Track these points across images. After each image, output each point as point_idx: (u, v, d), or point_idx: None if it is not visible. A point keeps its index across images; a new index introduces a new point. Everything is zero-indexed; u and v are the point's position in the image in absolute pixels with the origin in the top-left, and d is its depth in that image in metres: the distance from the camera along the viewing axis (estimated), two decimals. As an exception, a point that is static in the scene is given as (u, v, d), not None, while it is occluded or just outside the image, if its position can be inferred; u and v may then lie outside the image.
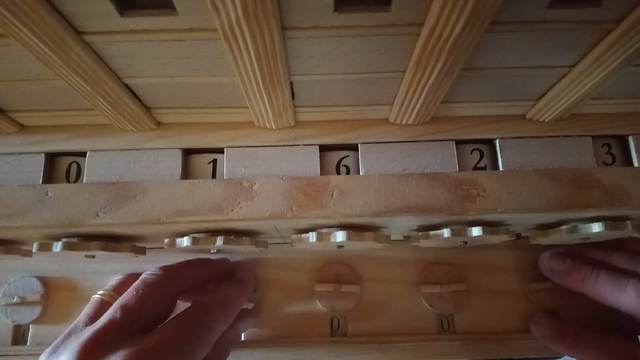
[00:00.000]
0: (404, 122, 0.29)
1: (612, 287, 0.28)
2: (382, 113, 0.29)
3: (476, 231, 0.28)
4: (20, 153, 0.29)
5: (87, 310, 0.28)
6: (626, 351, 0.28)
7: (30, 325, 0.35)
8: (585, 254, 0.32)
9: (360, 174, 0.28)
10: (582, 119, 0.29)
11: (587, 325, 0.31)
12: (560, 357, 0.34)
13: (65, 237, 0.29)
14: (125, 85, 0.25)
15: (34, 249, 0.29)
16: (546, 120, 0.29)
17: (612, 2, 0.20)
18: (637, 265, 0.29)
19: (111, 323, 0.24)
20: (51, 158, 0.30)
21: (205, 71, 0.24)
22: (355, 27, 0.21)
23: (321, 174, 0.29)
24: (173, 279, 0.29)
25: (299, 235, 0.29)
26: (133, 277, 0.30)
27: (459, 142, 0.29)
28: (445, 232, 0.28)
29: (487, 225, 0.28)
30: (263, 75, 0.23)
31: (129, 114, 0.27)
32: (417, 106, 0.27)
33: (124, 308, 0.25)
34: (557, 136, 0.29)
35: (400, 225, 0.30)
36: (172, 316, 0.27)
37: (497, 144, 0.29)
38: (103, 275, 0.36)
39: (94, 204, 0.27)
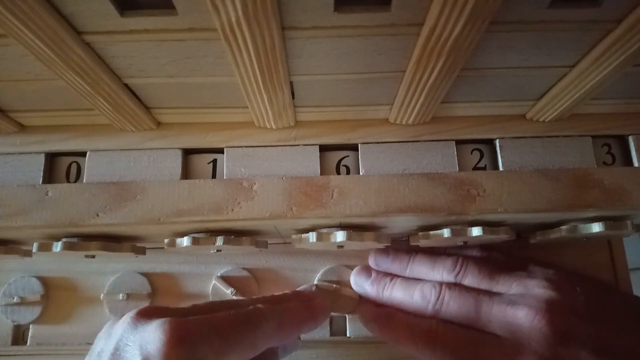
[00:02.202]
0: (404, 122, 0.29)
1: (404, 294, 0.31)
2: (382, 113, 0.29)
3: (476, 231, 0.28)
4: (20, 153, 0.29)
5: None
6: (427, 327, 0.29)
7: (30, 325, 0.35)
8: (388, 267, 0.34)
9: (360, 174, 0.28)
10: (582, 119, 0.29)
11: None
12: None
13: (65, 237, 0.29)
14: (125, 85, 0.25)
15: (34, 249, 0.29)
16: (546, 120, 0.29)
17: (612, 2, 0.20)
18: (433, 272, 0.31)
19: (177, 308, 0.26)
20: (51, 158, 0.30)
21: (205, 71, 0.24)
22: (355, 27, 0.21)
23: (321, 174, 0.29)
24: (253, 303, 0.28)
25: (299, 235, 0.29)
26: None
27: (459, 142, 0.29)
28: (445, 232, 0.28)
29: (487, 225, 0.28)
30: (263, 75, 0.23)
31: (129, 114, 0.27)
32: (417, 106, 0.27)
33: (195, 305, 0.27)
34: (557, 136, 0.29)
35: (400, 225, 0.30)
36: None
37: (497, 144, 0.29)
38: (103, 275, 0.36)
39: (94, 204, 0.27)
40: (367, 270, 0.34)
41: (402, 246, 0.35)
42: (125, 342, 0.24)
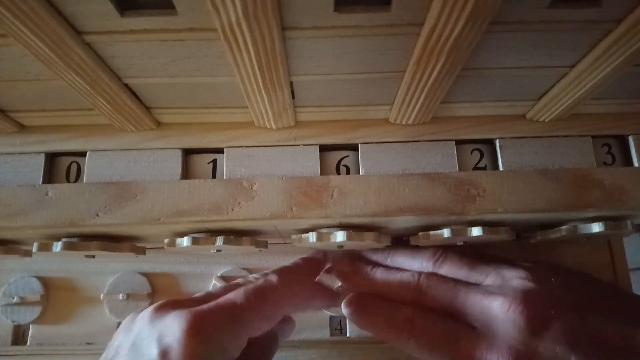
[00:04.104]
0: (404, 122, 0.29)
1: (384, 282, 0.31)
2: (382, 113, 0.29)
3: (476, 231, 0.28)
4: (20, 153, 0.29)
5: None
6: (404, 317, 0.29)
7: (30, 325, 0.35)
8: (370, 256, 0.34)
9: (360, 174, 0.28)
10: (582, 119, 0.29)
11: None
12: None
13: (65, 237, 0.29)
14: (125, 85, 0.25)
15: (34, 249, 0.29)
16: (546, 120, 0.29)
17: (612, 2, 0.20)
18: (413, 261, 0.32)
19: (191, 298, 0.27)
20: (51, 158, 0.30)
21: (205, 71, 0.24)
22: (355, 27, 0.21)
23: (321, 174, 0.29)
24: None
25: (299, 235, 0.29)
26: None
27: (459, 142, 0.29)
28: (445, 232, 0.28)
29: (487, 225, 0.28)
30: (263, 75, 0.23)
31: (129, 114, 0.27)
32: (417, 106, 0.27)
33: (208, 293, 0.28)
34: (557, 136, 0.29)
35: (400, 226, 0.30)
36: None
37: (497, 144, 0.29)
38: (103, 275, 0.36)
39: (94, 204, 0.27)
40: (350, 257, 0.34)
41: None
42: (142, 336, 0.25)
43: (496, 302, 0.26)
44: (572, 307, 0.27)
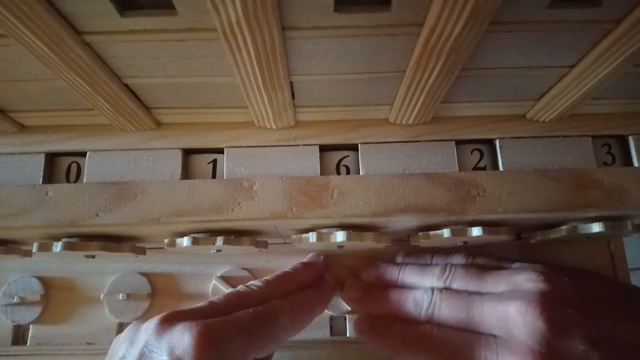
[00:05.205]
0: (404, 122, 0.29)
1: (397, 302, 0.31)
2: (382, 113, 0.29)
3: (476, 231, 0.28)
4: (20, 153, 0.29)
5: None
6: (421, 333, 0.29)
7: (30, 325, 0.35)
8: (379, 279, 0.34)
9: (360, 174, 0.28)
10: (582, 119, 0.29)
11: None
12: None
13: (65, 237, 0.29)
14: (125, 85, 0.25)
15: (34, 249, 0.29)
16: (546, 120, 0.29)
17: (612, 2, 0.20)
18: (423, 280, 0.32)
19: (195, 308, 0.27)
20: (51, 158, 0.30)
21: (205, 71, 0.24)
22: (355, 27, 0.21)
23: (321, 174, 0.29)
24: (266, 292, 0.30)
25: (299, 235, 0.29)
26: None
27: (459, 142, 0.29)
28: (445, 232, 0.28)
29: (487, 225, 0.28)
30: (263, 75, 0.23)
31: (129, 114, 0.27)
32: (417, 106, 0.27)
33: (212, 303, 0.28)
34: (557, 136, 0.29)
35: (400, 225, 0.30)
36: None
37: (497, 144, 0.29)
38: (103, 275, 0.36)
39: (94, 204, 0.27)
40: (359, 283, 0.34)
41: (403, 246, 0.35)
42: (150, 348, 0.24)
43: (513, 307, 0.26)
44: (587, 305, 0.27)
